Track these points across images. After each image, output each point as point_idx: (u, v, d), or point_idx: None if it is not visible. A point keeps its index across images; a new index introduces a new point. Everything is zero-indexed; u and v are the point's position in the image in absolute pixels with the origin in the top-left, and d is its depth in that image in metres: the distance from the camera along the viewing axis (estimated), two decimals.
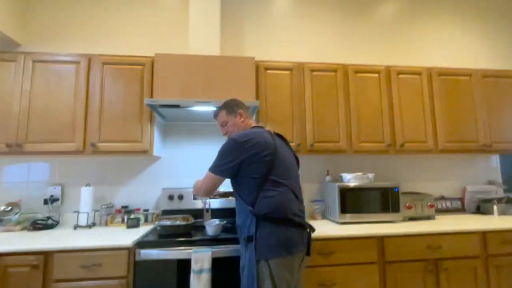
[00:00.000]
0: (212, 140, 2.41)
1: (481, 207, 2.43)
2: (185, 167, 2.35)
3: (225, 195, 2.14)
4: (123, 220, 2.10)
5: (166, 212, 2.14)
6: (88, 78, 2.01)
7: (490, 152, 2.35)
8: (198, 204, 2.17)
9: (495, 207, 2.32)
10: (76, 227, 2.00)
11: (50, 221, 2.03)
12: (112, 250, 1.58)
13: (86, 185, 2.15)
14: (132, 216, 2.06)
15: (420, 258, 1.80)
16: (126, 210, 2.16)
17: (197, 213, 2.12)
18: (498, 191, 2.55)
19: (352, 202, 2.04)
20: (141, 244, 1.61)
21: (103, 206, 2.12)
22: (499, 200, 2.38)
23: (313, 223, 2.04)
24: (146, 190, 2.28)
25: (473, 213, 2.46)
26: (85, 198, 2.04)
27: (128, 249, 1.59)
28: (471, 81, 2.39)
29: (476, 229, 1.88)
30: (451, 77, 2.38)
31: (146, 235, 1.78)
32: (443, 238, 1.83)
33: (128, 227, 1.98)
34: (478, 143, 2.32)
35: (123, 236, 1.74)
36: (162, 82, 1.95)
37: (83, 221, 2.01)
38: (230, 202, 2.21)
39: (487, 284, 1.84)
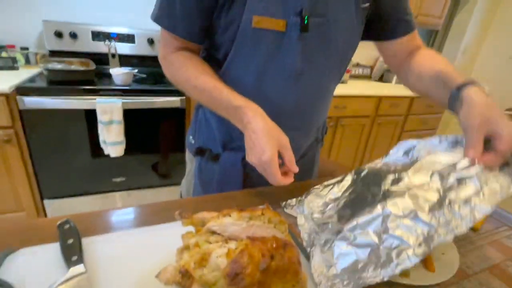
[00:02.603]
0: None
1: (384, 76, 2.74)
2: None
3: None
4: None
5: (56, 54, 1.68)
6: None
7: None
8: (101, 47, 1.75)
9: (395, 77, 2.64)
10: None
11: None
12: None
13: None
14: (4, 54, 1.56)
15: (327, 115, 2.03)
16: None
17: (100, 59, 1.74)
18: None
19: None
20: (24, 90, 1.29)
21: None
22: None
23: None
24: (20, 22, 1.66)
25: (376, 80, 2.77)
26: None
27: (5, 95, 1.26)
28: None
29: (375, 94, 2.15)
30: None
31: (31, 80, 1.42)
32: (349, 100, 2.06)
33: (1, 68, 1.52)
34: None
35: None
36: None
37: None
38: (142, 48, 1.85)
39: (367, 136, 2.31)
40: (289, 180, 0.53)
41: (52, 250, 0.41)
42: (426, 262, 0.47)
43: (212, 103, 0.60)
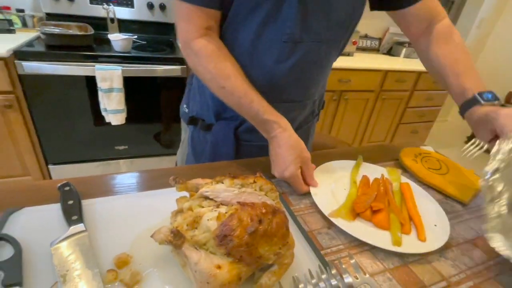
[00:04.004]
0: None
1: (393, 49, 2.64)
2: None
3: None
4: None
5: (52, 17, 1.63)
6: None
7: None
8: (99, 11, 1.69)
9: (404, 50, 2.54)
10: None
11: None
12: None
13: None
14: (0, 16, 1.51)
15: (330, 89, 2.00)
16: None
17: (98, 23, 1.69)
18: None
19: None
20: (22, 54, 1.27)
21: None
22: (409, 44, 2.58)
23: None
24: None
25: (384, 53, 2.68)
26: None
27: (3, 59, 1.24)
28: None
29: (381, 67, 2.09)
30: None
31: (29, 44, 1.39)
32: (354, 74, 2.01)
33: None
34: None
35: None
36: None
37: None
38: (142, 13, 1.79)
39: (370, 111, 2.28)
40: (311, 186, 0.57)
41: (53, 210, 0.43)
42: (418, 232, 0.49)
43: (238, 108, 0.58)
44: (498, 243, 0.45)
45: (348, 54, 2.28)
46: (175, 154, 1.82)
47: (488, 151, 0.53)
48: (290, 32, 0.56)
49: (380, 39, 2.65)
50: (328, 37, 0.61)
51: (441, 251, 0.48)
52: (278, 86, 0.63)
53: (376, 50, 2.66)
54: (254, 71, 0.59)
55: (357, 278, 0.39)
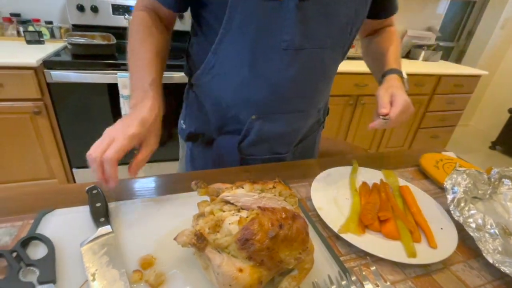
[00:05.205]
0: None
1: (411, 52, 2.59)
2: None
3: None
4: (18, 33, 1.64)
5: (78, 28, 1.72)
6: None
7: None
8: (121, 21, 1.76)
9: (423, 53, 2.48)
10: None
11: None
12: (12, 69, 1.29)
13: None
14: (31, 28, 1.61)
15: (346, 93, 1.98)
16: (20, 20, 1.65)
17: (120, 33, 1.76)
18: (433, 38, 2.67)
19: None
20: (50, 63, 1.34)
21: None
22: (429, 47, 2.52)
23: None
24: None
25: (402, 57, 2.63)
26: None
27: (34, 69, 1.32)
28: None
29: None
30: None
31: (56, 54, 1.47)
32: (371, 78, 1.97)
33: (29, 42, 1.58)
34: None
35: (25, 53, 1.40)
36: None
37: None
38: None
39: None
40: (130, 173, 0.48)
41: (82, 212, 0.46)
42: (428, 239, 0.48)
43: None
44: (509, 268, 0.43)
45: None
46: None
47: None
48: (289, 38, 0.54)
49: None
50: (331, 42, 0.59)
51: (466, 261, 0.46)
52: (281, 97, 0.61)
53: None
54: (256, 82, 0.57)
55: (377, 286, 0.39)
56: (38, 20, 1.68)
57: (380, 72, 0.66)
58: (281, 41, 0.54)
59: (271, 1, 0.50)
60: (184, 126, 0.73)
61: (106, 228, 0.42)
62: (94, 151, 0.43)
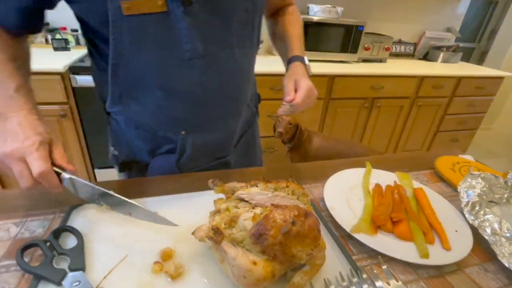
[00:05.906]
0: None
1: (429, 54, 2.53)
2: None
3: None
4: (47, 41, 1.75)
5: None
6: None
7: None
8: None
9: (441, 55, 2.42)
10: None
11: None
12: (41, 75, 1.37)
13: None
14: (58, 36, 1.71)
15: (362, 96, 1.96)
16: (48, 28, 1.76)
17: None
18: (452, 39, 2.60)
19: (313, 38, 1.92)
20: (75, 69, 1.42)
21: None
22: (448, 48, 2.46)
23: (266, 59, 1.96)
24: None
25: (419, 59, 2.57)
26: None
27: (61, 74, 1.40)
28: None
29: (416, 73, 2.01)
30: None
31: (81, 60, 1.55)
32: (386, 80, 1.96)
33: (56, 49, 1.68)
34: None
35: (52, 60, 1.49)
36: None
37: None
38: None
39: (405, 118, 2.20)
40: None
41: None
42: (442, 241, 0.48)
43: None
44: None
45: (380, 61, 2.23)
46: None
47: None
48: (190, 48, 0.51)
49: (415, 44, 2.55)
50: (236, 39, 0.56)
51: (481, 264, 0.46)
52: (205, 108, 0.58)
53: (411, 55, 2.56)
54: (173, 102, 0.54)
55: (389, 285, 0.39)
56: (64, 28, 1.78)
57: (285, 58, 0.68)
58: (184, 52, 0.51)
59: (156, 14, 0.46)
60: (116, 153, 0.67)
61: (130, 222, 0.45)
62: (25, 183, 0.39)
